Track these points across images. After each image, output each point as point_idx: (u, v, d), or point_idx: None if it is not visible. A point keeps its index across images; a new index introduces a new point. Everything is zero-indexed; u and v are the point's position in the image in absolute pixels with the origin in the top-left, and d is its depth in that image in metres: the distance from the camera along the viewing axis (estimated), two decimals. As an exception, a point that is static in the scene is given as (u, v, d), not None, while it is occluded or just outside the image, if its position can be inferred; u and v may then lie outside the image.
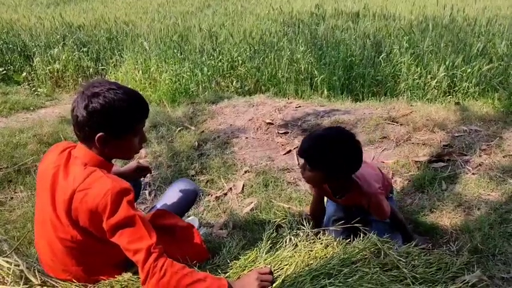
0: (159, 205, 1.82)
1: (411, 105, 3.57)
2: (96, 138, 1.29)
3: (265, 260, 1.55)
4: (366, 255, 1.52)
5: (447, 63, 4.31)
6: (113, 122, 1.30)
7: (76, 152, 1.36)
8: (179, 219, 1.70)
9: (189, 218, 2.31)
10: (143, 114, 1.39)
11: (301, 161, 1.70)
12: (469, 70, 4.21)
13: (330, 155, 1.57)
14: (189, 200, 1.91)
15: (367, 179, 1.74)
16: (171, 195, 1.85)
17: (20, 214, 2.44)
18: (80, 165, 1.31)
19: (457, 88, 4.23)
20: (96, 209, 1.25)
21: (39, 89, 5.38)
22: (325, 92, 4.47)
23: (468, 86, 4.16)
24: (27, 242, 2.07)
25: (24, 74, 5.82)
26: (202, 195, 2.61)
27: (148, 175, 1.97)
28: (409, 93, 4.29)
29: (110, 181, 1.27)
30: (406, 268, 1.47)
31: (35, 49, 6.07)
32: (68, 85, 5.73)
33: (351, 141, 1.61)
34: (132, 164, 1.91)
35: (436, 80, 4.25)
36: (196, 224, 2.26)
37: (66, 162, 1.34)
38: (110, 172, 1.38)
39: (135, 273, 1.47)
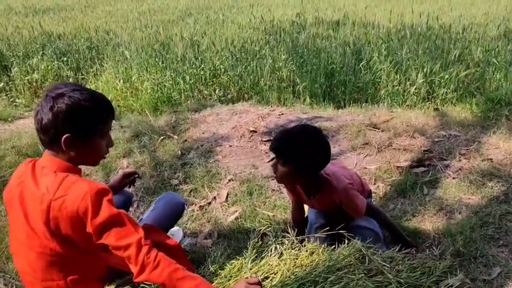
0: (145, 219, 1.79)
1: (391, 112, 3.62)
2: (62, 140, 1.26)
3: (251, 269, 1.54)
4: (351, 261, 1.53)
5: (425, 70, 4.41)
6: (79, 122, 1.27)
7: (42, 162, 1.32)
8: (167, 236, 1.68)
9: (173, 229, 2.28)
10: (109, 115, 1.36)
11: (273, 162, 1.73)
12: (447, 76, 4.31)
13: (300, 146, 1.62)
14: (176, 213, 1.89)
15: (337, 176, 1.78)
16: (158, 209, 1.82)
17: (-3, 228, 2.37)
18: (49, 174, 1.28)
19: (435, 94, 4.32)
20: (77, 213, 1.22)
21: (17, 100, 5.27)
22: (308, 99, 4.50)
23: (446, 92, 4.25)
24: (5, 257, 2.01)
25: (1, 84, 5.70)
26: (186, 205, 2.58)
27: (137, 179, 1.96)
28: (389, 100, 4.36)
29: (86, 184, 1.25)
30: (390, 273, 1.48)
31: (12, 59, 5.95)
32: (47, 95, 5.62)
33: (319, 134, 1.68)
34: (117, 174, 1.89)
35: (415, 87, 4.33)
36: (180, 235, 2.23)
37: (32, 174, 1.30)
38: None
39: (118, 286, 1.44)
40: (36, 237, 1.29)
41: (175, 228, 2.31)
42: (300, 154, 1.62)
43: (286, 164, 1.66)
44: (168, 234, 2.07)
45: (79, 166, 1.38)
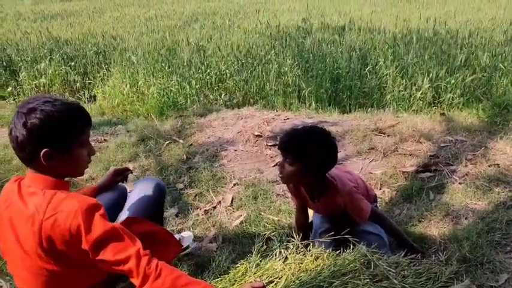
0: (125, 213, 1.73)
1: (397, 117, 3.61)
2: (41, 155, 1.22)
3: (255, 273, 1.54)
4: (356, 266, 1.52)
5: (431, 75, 4.40)
6: (55, 135, 1.23)
7: (27, 181, 1.28)
8: (151, 224, 1.65)
9: (184, 233, 2.27)
10: (85, 123, 1.32)
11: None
12: (453, 81, 4.29)
13: (308, 145, 1.64)
14: (154, 198, 1.77)
15: (341, 179, 1.79)
16: (134, 200, 1.75)
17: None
18: (37, 192, 1.24)
19: (441, 99, 4.31)
20: (69, 231, 1.18)
21: (25, 104, 5.32)
22: (313, 104, 4.51)
23: (452, 97, 4.24)
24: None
25: (9, 88, 5.77)
26: (191, 208, 2.59)
27: (129, 175, 1.92)
28: (395, 105, 4.35)
29: (76, 200, 1.21)
30: (396, 279, 1.47)
31: (21, 64, 6.02)
32: (55, 99, 5.67)
33: (327, 135, 1.70)
34: (109, 171, 1.85)
35: (420, 92, 4.32)
36: (190, 240, 2.21)
37: (19, 194, 1.26)
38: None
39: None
40: (29, 259, 1.26)
41: (186, 232, 2.29)
42: (308, 153, 1.64)
43: (294, 163, 1.67)
44: (177, 237, 2.07)
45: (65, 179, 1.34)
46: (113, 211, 1.68)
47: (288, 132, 1.77)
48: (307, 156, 1.64)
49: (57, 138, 1.24)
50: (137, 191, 1.77)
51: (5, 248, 1.35)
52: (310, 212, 2.14)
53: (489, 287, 1.74)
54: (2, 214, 1.30)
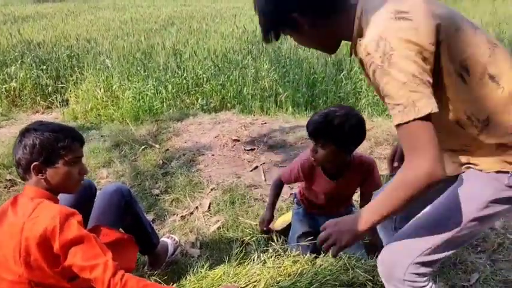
0: (91, 223, 1.71)
1: (372, 121, 3.68)
2: (31, 167, 1.35)
3: (233, 278, 1.53)
4: (333, 271, 1.53)
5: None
6: (44, 151, 1.36)
7: (22, 193, 1.41)
8: (119, 232, 1.64)
9: (168, 238, 2.21)
10: (73, 143, 1.43)
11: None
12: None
13: (338, 125, 1.64)
14: (116, 203, 1.75)
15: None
16: (96, 210, 1.74)
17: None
18: (27, 200, 1.35)
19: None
20: (45, 233, 1.25)
21: (-6, 109, 5.15)
22: (290, 108, 4.54)
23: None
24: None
25: (-23, 92, 5.56)
26: (167, 214, 2.55)
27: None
28: (370, 109, 4.43)
29: (58, 207, 1.32)
30: (373, 282, 1.49)
31: (-11, 67, 5.83)
32: (26, 104, 5.50)
33: (353, 111, 1.72)
34: None
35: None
36: (173, 245, 2.16)
37: (13, 204, 1.37)
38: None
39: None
40: (6, 264, 1.30)
41: (172, 237, 2.24)
42: (339, 134, 1.65)
43: (326, 146, 1.69)
44: (162, 239, 2.06)
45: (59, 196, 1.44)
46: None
47: (314, 117, 1.73)
48: (338, 134, 1.65)
49: (44, 154, 1.37)
50: (98, 201, 1.77)
51: None
52: (289, 216, 2.15)
53: (461, 286, 1.78)
54: None
